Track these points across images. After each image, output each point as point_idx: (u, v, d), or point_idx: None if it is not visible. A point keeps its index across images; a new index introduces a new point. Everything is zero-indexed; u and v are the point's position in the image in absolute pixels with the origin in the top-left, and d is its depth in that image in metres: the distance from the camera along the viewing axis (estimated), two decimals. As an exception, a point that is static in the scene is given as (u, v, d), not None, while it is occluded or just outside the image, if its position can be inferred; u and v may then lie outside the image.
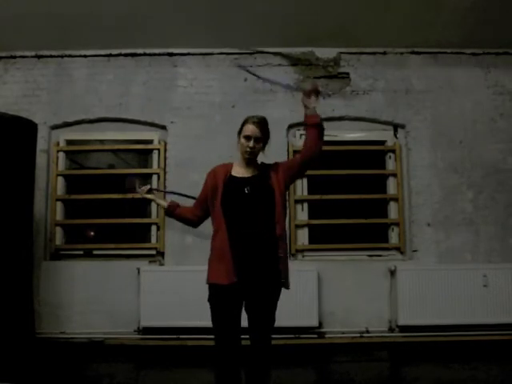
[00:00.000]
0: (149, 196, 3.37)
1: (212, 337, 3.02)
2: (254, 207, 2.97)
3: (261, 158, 3.21)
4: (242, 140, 3.06)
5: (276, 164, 3.16)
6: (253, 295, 2.96)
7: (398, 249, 5.92)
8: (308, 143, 3.04)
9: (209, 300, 3.01)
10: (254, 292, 2.96)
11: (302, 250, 5.91)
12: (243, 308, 3.03)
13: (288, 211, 5.75)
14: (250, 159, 3.08)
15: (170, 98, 6.01)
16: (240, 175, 3.09)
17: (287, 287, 3.05)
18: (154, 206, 5.95)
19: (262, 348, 2.99)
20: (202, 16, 5.49)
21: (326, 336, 5.64)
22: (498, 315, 5.49)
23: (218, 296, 2.96)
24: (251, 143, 3.02)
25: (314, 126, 3.01)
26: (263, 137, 3.07)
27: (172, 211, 3.29)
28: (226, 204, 2.99)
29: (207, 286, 3.05)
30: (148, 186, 3.39)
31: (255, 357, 2.99)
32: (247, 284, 2.93)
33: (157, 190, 3.55)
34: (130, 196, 6.01)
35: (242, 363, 2.96)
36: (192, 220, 3.28)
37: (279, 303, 3.09)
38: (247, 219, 2.95)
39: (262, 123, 3.07)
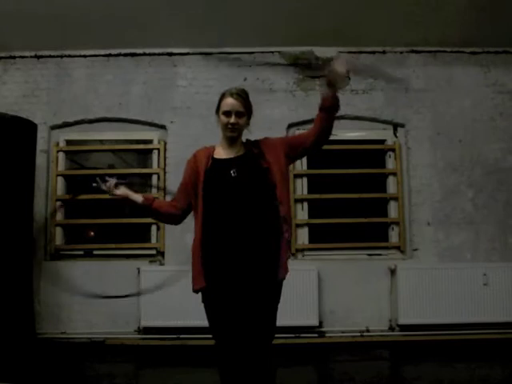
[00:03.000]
0: (118, 193, 2.78)
1: (211, 337, 2.92)
2: (243, 192, 2.61)
3: (246, 135, 2.84)
4: (222, 117, 2.68)
5: (269, 140, 2.79)
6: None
7: (398, 248, 5.93)
8: (322, 127, 2.77)
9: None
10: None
11: (302, 250, 5.91)
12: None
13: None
14: (233, 137, 2.71)
15: (169, 98, 6.01)
16: (223, 157, 2.72)
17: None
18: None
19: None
20: (202, 16, 5.49)
21: (327, 335, 5.64)
22: (498, 314, 5.50)
23: None
24: (232, 119, 2.66)
25: (334, 109, 2.78)
26: (246, 110, 2.71)
27: (149, 205, 2.74)
28: (209, 191, 2.62)
29: None
30: (113, 180, 2.81)
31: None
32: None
33: (121, 182, 2.82)
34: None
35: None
36: (174, 214, 2.76)
37: (280, 302, 2.77)
38: (235, 208, 2.57)
39: (242, 95, 2.71)
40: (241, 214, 2.58)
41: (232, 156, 2.72)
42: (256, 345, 2.60)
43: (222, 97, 2.72)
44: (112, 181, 2.80)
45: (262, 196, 2.62)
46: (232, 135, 2.71)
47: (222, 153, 2.74)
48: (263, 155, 2.70)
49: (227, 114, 2.68)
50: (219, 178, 2.65)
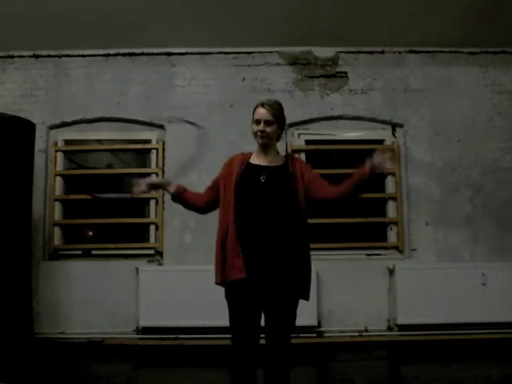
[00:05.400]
0: (152, 184, 3.07)
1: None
2: (270, 197, 2.77)
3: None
4: (253, 125, 2.89)
5: (301, 161, 3.07)
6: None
7: (396, 248, 5.93)
8: (338, 191, 2.79)
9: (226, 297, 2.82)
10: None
11: (301, 250, 5.90)
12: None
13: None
14: (264, 144, 2.89)
15: (168, 98, 6.00)
16: (257, 163, 2.90)
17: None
18: (152, 206, 5.95)
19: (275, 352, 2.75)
20: (200, 15, 5.48)
21: (325, 335, 5.64)
22: (496, 314, 5.50)
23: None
24: (261, 126, 2.85)
25: (360, 186, 2.72)
26: (275, 120, 2.89)
27: (180, 194, 2.96)
28: (240, 193, 2.79)
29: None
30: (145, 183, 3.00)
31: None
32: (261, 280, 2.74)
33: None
34: (129, 196, 6.03)
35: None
36: (198, 205, 2.98)
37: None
38: (260, 210, 2.75)
39: (273, 106, 2.93)
40: (268, 216, 2.75)
41: (266, 164, 2.89)
42: (277, 343, 2.74)
43: (255, 108, 2.93)
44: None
45: (286, 203, 2.79)
46: (262, 142, 2.89)
47: (256, 159, 2.93)
48: (295, 171, 2.87)
49: (257, 122, 2.88)
50: (250, 181, 2.83)
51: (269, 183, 2.81)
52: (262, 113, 2.88)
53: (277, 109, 2.95)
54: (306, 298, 2.84)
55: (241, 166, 2.89)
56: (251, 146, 3.04)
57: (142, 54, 6.06)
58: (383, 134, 6.13)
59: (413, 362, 4.94)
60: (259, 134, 2.87)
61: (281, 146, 5.82)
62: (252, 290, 2.73)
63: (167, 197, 5.83)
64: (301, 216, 2.85)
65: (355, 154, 6.10)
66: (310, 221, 6.31)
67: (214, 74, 6.03)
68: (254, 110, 2.93)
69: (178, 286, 5.45)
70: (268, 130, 2.86)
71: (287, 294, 2.75)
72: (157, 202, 5.93)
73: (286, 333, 2.80)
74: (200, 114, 5.91)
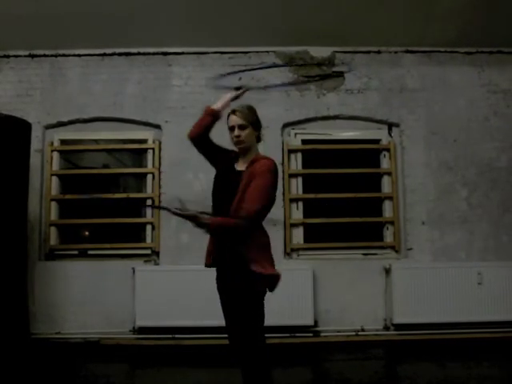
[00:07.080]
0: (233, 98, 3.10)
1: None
2: (220, 201, 2.88)
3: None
4: (230, 133, 2.97)
5: (261, 166, 2.83)
6: None
7: (392, 247, 5.94)
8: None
9: (262, 293, 2.78)
10: None
11: (297, 249, 5.91)
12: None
13: (283, 210, 5.77)
14: (241, 149, 2.94)
15: (164, 98, 6.00)
16: (238, 168, 2.95)
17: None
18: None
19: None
20: (197, 15, 5.48)
21: (322, 335, 5.65)
22: (492, 313, 5.52)
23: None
24: (236, 132, 2.91)
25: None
26: (248, 123, 2.91)
27: (218, 116, 3.05)
28: (213, 193, 2.95)
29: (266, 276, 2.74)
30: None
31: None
32: None
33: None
34: (124, 195, 6.03)
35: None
36: (206, 135, 3.06)
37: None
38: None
39: (243, 110, 2.95)
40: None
41: (239, 169, 2.93)
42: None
43: (227, 117, 2.98)
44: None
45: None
46: (239, 147, 2.94)
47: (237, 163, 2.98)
48: (243, 180, 2.82)
49: (231, 129, 2.95)
50: (220, 183, 2.95)
51: (220, 188, 2.91)
52: (234, 119, 2.93)
53: (247, 112, 2.95)
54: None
55: (222, 165, 3.01)
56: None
57: (139, 53, 6.05)
58: (379, 133, 6.14)
59: (409, 361, 4.95)
60: (235, 140, 2.93)
61: (277, 146, 5.88)
62: None
63: (163, 197, 5.84)
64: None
65: (351, 153, 6.13)
66: (306, 220, 6.35)
67: (210, 74, 6.00)
68: (227, 118, 2.98)
69: (174, 285, 5.45)
70: (243, 134, 2.91)
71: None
72: (153, 202, 5.93)
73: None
74: (196, 113, 5.89)
